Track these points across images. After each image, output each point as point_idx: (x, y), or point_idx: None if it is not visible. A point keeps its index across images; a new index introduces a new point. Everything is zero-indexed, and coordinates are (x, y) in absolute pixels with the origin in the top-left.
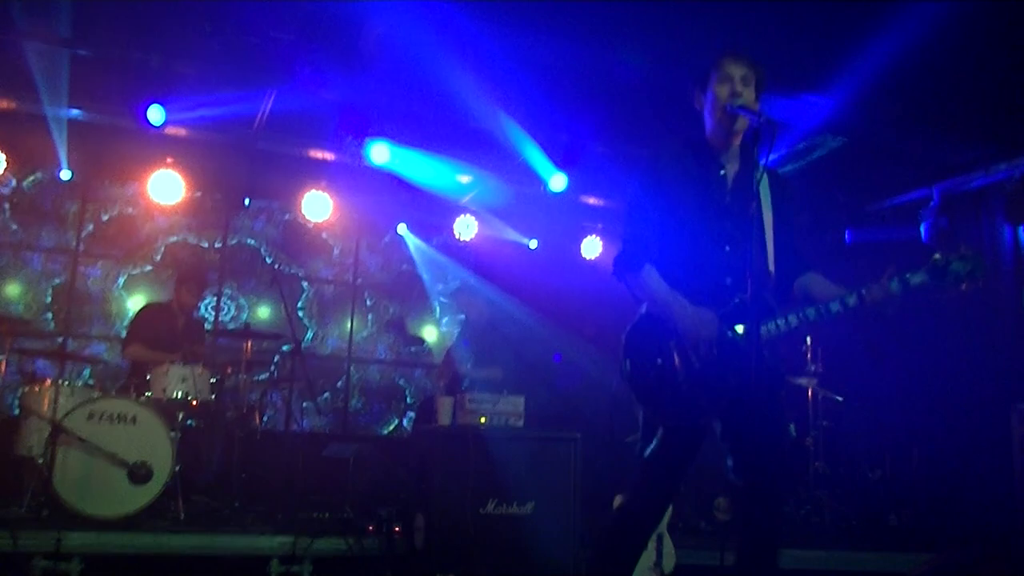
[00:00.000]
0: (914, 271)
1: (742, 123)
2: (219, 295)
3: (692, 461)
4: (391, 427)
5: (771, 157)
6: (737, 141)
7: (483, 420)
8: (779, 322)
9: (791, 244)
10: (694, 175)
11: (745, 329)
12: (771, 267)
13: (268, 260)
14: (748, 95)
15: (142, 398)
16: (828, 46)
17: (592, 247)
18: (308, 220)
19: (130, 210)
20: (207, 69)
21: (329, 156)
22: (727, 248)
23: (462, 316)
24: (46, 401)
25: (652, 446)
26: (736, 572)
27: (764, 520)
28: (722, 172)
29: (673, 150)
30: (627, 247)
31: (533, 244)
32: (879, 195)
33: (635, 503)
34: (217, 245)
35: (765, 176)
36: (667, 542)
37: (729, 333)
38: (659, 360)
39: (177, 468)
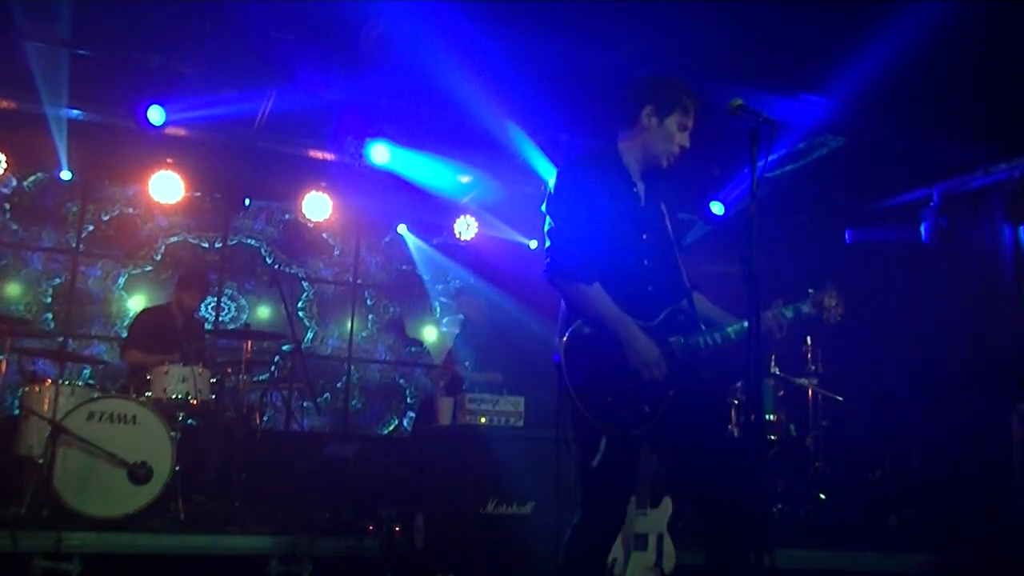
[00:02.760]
0: (802, 301)
1: (664, 165)
2: (219, 295)
3: (637, 467)
4: (391, 427)
5: (770, 157)
6: (650, 167)
7: (483, 420)
8: (707, 338)
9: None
10: (611, 186)
11: (684, 341)
12: (687, 282)
13: (268, 260)
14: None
15: (142, 398)
16: (828, 46)
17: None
18: (308, 220)
19: (130, 210)
20: (207, 69)
21: (329, 156)
22: (645, 262)
23: (462, 316)
24: (46, 401)
25: (599, 456)
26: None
27: (723, 526)
28: (634, 189)
29: (589, 160)
30: (570, 256)
31: (533, 244)
32: (879, 195)
33: (591, 517)
34: (217, 245)
35: (664, 198)
36: (667, 542)
37: (675, 345)
38: (602, 370)
39: (177, 468)
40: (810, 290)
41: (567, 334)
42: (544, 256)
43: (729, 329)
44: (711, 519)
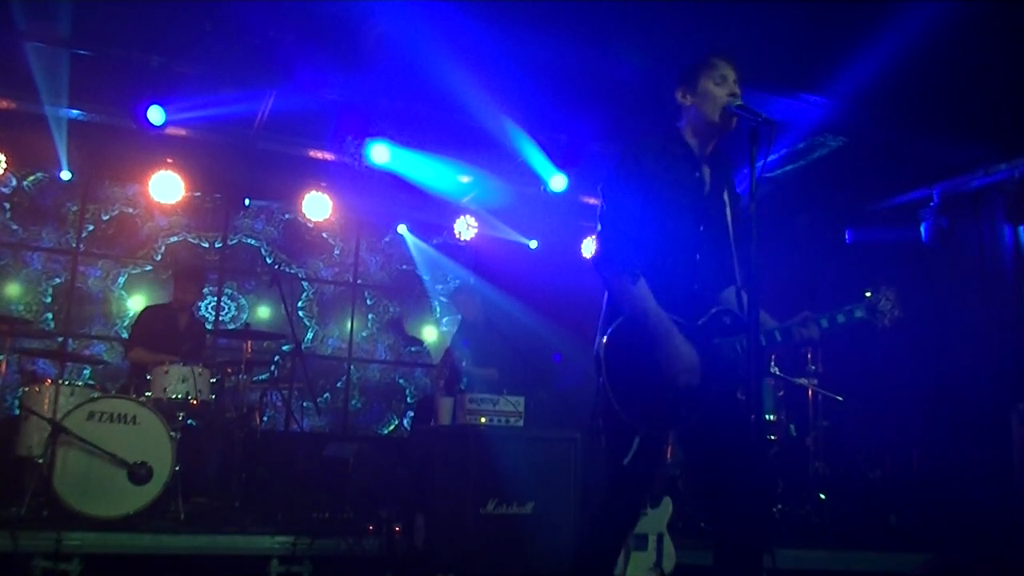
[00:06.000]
0: (855, 305)
1: (732, 123)
2: (219, 295)
3: (659, 467)
4: (391, 427)
5: (770, 157)
6: (714, 143)
7: (483, 420)
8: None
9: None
10: (672, 173)
11: (743, 343)
12: (739, 280)
13: (268, 260)
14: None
15: (142, 398)
16: (828, 46)
17: (592, 247)
18: (308, 220)
19: (130, 210)
20: (207, 69)
21: (329, 156)
22: (697, 256)
23: (460, 316)
24: (46, 401)
25: (631, 454)
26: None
27: (741, 524)
28: (698, 174)
29: (653, 144)
30: (619, 248)
31: (533, 244)
32: (879, 195)
33: (609, 515)
34: (217, 245)
35: (728, 185)
36: (667, 542)
37: (718, 347)
38: (642, 369)
39: (177, 468)
40: (867, 293)
41: (608, 332)
42: (595, 241)
43: (773, 330)
44: (727, 520)
